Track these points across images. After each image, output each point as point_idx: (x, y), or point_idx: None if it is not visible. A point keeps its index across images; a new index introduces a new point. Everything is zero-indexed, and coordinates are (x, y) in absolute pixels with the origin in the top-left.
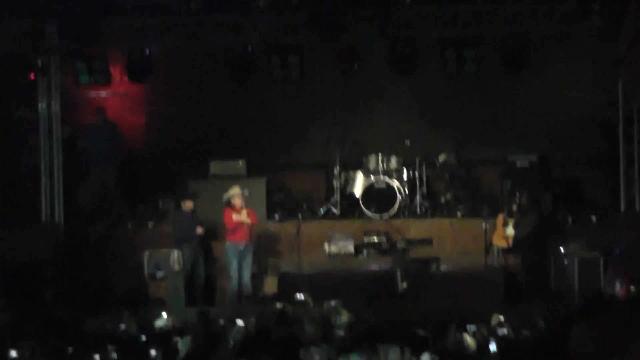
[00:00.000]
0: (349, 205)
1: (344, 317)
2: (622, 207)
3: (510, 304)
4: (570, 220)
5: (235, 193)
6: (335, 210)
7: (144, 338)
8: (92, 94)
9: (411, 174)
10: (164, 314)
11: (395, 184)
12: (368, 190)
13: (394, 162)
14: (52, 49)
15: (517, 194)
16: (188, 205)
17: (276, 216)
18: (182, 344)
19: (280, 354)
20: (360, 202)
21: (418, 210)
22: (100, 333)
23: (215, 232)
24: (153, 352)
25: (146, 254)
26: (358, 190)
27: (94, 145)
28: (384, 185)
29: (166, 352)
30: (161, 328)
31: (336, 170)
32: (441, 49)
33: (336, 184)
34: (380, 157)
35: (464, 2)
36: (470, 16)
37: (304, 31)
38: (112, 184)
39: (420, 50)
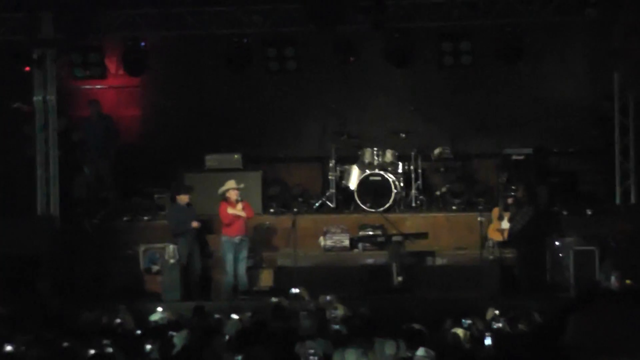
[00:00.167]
0: (345, 198)
1: (340, 311)
2: (618, 199)
3: (505, 297)
4: (565, 212)
5: (230, 187)
6: (330, 204)
7: (139, 332)
8: (88, 86)
9: (406, 168)
10: (160, 309)
11: (390, 177)
12: (363, 183)
13: (389, 156)
14: (47, 41)
15: (513, 186)
16: (183, 198)
17: (272, 210)
18: (178, 338)
19: (276, 347)
20: (356, 195)
21: (413, 203)
22: (95, 327)
23: (210, 226)
24: (148, 347)
25: (142, 247)
26: (353, 183)
27: (89, 138)
28: (379, 179)
29: (162, 346)
30: (156, 322)
31: (332, 164)
32: (437, 41)
33: (332, 177)
34: (375, 151)
35: None
36: (466, 8)
37: (299, 23)
38: (107, 177)
39: (416, 42)
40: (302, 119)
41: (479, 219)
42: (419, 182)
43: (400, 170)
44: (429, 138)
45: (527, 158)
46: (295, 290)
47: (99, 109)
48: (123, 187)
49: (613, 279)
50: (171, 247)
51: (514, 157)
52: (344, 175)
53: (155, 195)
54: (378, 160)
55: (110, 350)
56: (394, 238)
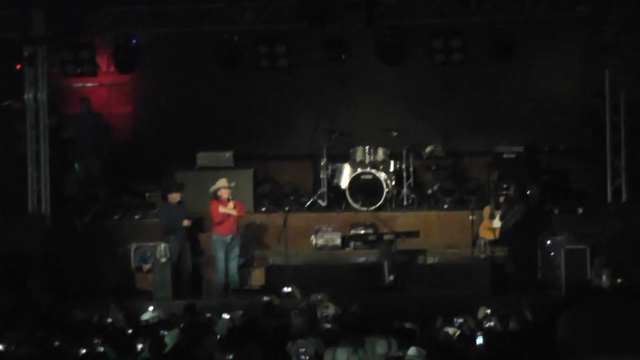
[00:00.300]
0: (336, 197)
1: (331, 309)
2: (609, 197)
3: (497, 296)
4: (557, 211)
5: (222, 185)
6: (322, 202)
7: (130, 331)
8: (79, 84)
9: (398, 166)
10: (151, 308)
11: (382, 175)
12: (355, 182)
13: (380, 154)
14: (39, 39)
15: (504, 185)
16: (175, 197)
17: (263, 208)
18: (169, 337)
19: (267, 346)
20: (347, 194)
21: (405, 202)
22: (86, 325)
23: (202, 224)
24: (140, 345)
25: (133, 246)
26: (345, 182)
27: (80, 136)
28: (370, 177)
29: (153, 345)
30: (148, 321)
31: (323, 162)
32: (428, 39)
33: (323, 175)
34: (367, 149)
35: None
36: (457, 5)
37: (291, 20)
38: (98, 174)
39: (407, 40)
40: (294, 117)
41: (470, 217)
42: (411, 180)
43: (391, 169)
44: (420, 136)
45: (519, 156)
46: (287, 289)
47: (90, 106)
48: (114, 185)
49: (604, 277)
50: (162, 245)
51: (506, 155)
52: (336, 174)
53: (147, 194)
54: (369, 158)
55: (101, 349)
56: (386, 236)
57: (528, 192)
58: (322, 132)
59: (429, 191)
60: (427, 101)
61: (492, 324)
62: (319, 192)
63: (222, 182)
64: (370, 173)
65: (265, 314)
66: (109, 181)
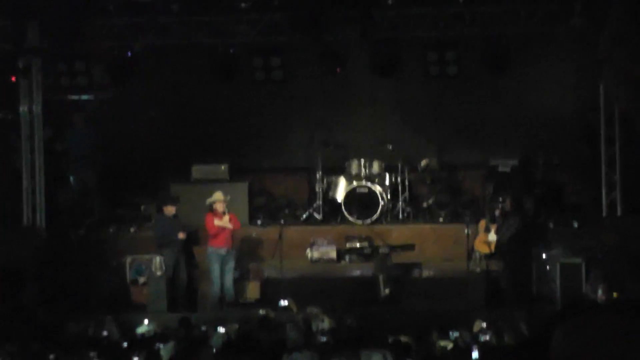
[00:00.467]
0: (331, 210)
1: (326, 322)
2: (604, 211)
3: (492, 309)
4: (552, 224)
5: (217, 199)
6: (317, 216)
7: (125, 344)
8: (74, 96)
9: (393, 179)
10: (146, 321)
11: (377, 189)
12: (350, 195)
13: (376, 167)
14: (33, 50)
15: (499, 198)
16: (170, 209)
17: (258, 221)
18: (164, 350)
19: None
20: (343, 207)
21: (400, 215)
22: (81, 338)
23: (197, 237)
24: (135, 359)
25: (128, 259)
26: (340, 195)
27: (74, 148)
28: (366, 191)
29: (148, 358)
30: (143, 334)
31: (318, 175)
32: (423, 51)
33: (318, 188)
34: (362, 162)
35: (445, 3)
36: (452, 18)
37: (286, 33)
38: (92, 187)
39: (402, 52)
40: (289, 130)
41: (465, 230)
42: (406, 193)
43: (387, 182)
44: (415, 149)
45: (513, 169)
46: (284, 303)
47: (85, 118)
48: (109, 198)
49: (600, 291)
50: (158, 258)
51: (501, 169)
52: (331, 187)
53: (142, 206)
54: (365, 171)
55: None
56: (381, 250)
57: (523, 206)
58: (318, 145)
59: (425, 204)
60: (422, 114)
61: (487, 337)
62: (314, 205)
63: (218, 195)
64: (365, 186)
65: (260, 327)
66: (104, 194)
